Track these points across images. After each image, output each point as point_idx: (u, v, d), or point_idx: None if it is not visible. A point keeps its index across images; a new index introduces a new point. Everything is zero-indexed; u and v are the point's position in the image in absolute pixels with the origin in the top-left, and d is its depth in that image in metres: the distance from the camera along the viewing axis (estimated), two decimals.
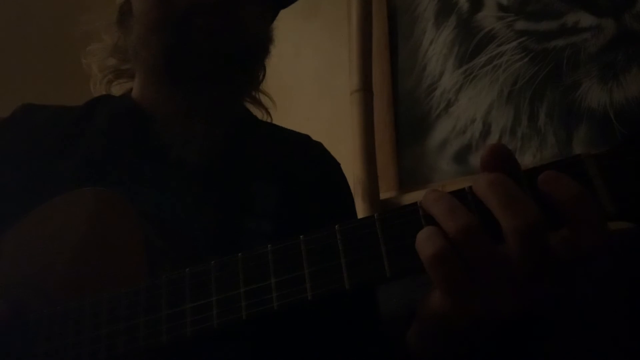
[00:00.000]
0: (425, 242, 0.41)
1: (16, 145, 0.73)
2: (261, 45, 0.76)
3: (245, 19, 0.72)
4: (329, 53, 1.54)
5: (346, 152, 1.28)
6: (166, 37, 0.70)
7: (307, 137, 0.85)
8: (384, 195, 1.29)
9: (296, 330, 0.59)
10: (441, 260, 0.40)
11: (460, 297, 0.41)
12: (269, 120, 0.88)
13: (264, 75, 0.86)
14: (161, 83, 0.74)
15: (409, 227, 0.43)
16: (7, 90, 1.38)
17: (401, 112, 1.36)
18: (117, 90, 0.86)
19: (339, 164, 0.84)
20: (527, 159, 1.12)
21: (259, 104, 0.88)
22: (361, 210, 1.24)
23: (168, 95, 0.74)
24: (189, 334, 0.47)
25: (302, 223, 0.67)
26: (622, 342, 0.64)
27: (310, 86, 1.56)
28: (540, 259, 0.39)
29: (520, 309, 0.41)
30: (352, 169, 1.28)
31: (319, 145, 0.84)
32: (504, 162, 0.42)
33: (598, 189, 0.39)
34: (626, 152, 0.39)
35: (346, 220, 0.46)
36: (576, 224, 0.39)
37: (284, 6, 0.84)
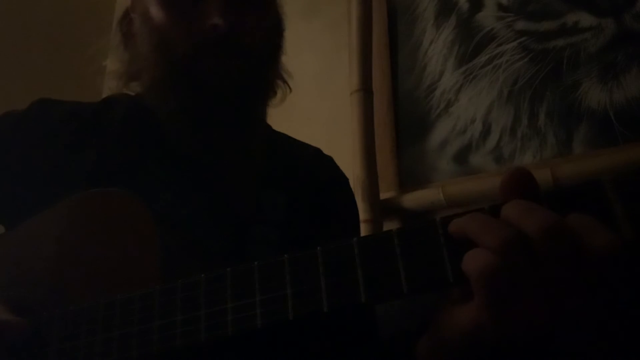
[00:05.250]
0: (478, 255, 0.40)
1: (32, 141, 0.73)
2: (270, 61, 0.75)
3: (252, 45, 0.71)
4: (329, 53, 1.54)
5: (346, 152, 1.28)
6: (174, 85, 0.70)
7: (318, 151, 0.85)
8: (384, 195, 1.29)
9: (297, 338, 0.59)
10: (496, 271, 0.39)
11: (505, 312, 0.40)
12: (289, 92, 0.87)
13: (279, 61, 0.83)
14: (176, 115, 0.73)
15: (427, 243, 0.43)
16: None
17: (401, 112, 1.36)
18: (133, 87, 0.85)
19: (347, 179, 0.85)
20: (527, 159, 1.12)
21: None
22: (361, 210, 1.24)
23: (180, 118, 0.73)
24: (202, 340, 0.47)
25: (308, 234, 0.67)
26: (622, 346, 0.64)
27: (310, 86, 1.56)
28: (572, 257, 0.39)
29: (553, 325, 0.41)
30: (352, 169, 1.28)
31: (328, 159, 0.85)
32: (523, 185, 0.42)
33: (617, 214, 0.39)
34: None
35: (353, 235, 0.46)
36: (591, 235, 0.39)
37: None
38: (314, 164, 0.82)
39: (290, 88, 0.83)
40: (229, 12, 0.69)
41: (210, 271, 0.49)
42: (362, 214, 1.23)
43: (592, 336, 0.43)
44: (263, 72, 0.74)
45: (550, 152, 1.10)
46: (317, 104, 1.54)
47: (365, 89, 1.36)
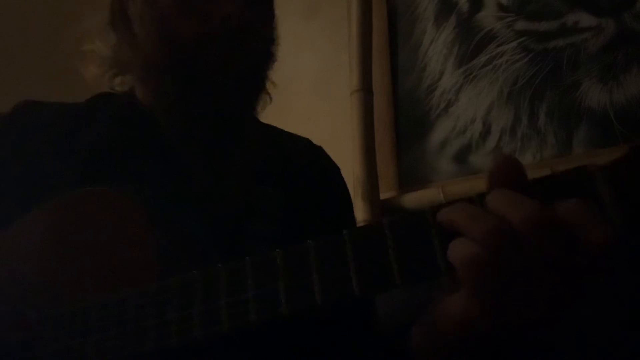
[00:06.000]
0: (463, 245, 0.41)
1: (18, 143, 0.72)
2: (269, 56, 0.75)
3: (251, 41, 0.70)
4: (328, 53, 1.54)
5: (346, 152, 1.28)
6: (175, 76, 0.68)
7: (308, 141, 0.85)
8: (384, 195, 1.29)
9: (294, 333, 0.59)
10: (481, 261, 0.39)
11: (492, 301, 0.41)
12: (269, 102, 0.86)
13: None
14: (170, 107, 0.72)
15: (418, 233, 0.43)
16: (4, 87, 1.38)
17: (401, 112, 1.36)
18: (118, 84, 0.81)
19: (339, 169, 0.84)
20: (527, 159, 1.12)
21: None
22: (361, 210, 1.24)
23: (176, 114, 0.72)
24: (198, 337, 0.47)
25: (302, 227, 0.67)
26: (622, 344, 0.64)
27: (310, 86, 1.56)
28: (557, 247, 0.39)
29: (543, 316, 0.41)
30: (352, 169, 1.28)
31: (319, 150, 0.85)
32: (511, 173, 0.42)
33: (605, 200, 0.39)
34: (633, 163, 0.39)
35: (348, 225, 0.46)
36: (580, 227, 0.39)
37: None
38: (306, 156, 0.82)
39: (270, 98, 0.82)
40: (241, 6, 0.68)
41: (206, 268, 0.49)
42: (362, 214, 1.23)
43: (582, 325, 0.43)
44: (260, 74, 0.73)
45: (550, 152, 1.10)
46: (317, 104, 1.54)
47: (365, 89, 1.36)
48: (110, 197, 0.58)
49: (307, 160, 0.81)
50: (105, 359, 0.50)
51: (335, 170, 0.84)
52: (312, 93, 1.56)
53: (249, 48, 0.70)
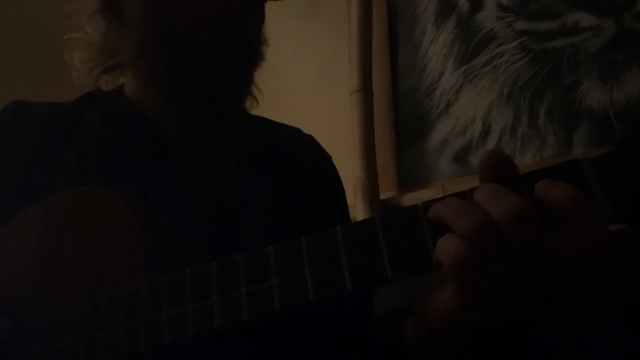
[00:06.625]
0: (449, 243, 0.41)
1: (6, 145, 0.71)
2: (260, 53, 0.74)
3: (246, 30, 0.69)
4: (328, 53, 1.54)
5: (346, 152, 1.28)
6: (169, 56, 0.67)
7: (297, 131, 0.84)
8: (384, 195, 1.29)
9: (292, 331, 0.59)
10: (466, 261, 0.40)
11: (476, 297, 0.41)
12: (256, 105, 0.85)
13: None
14: (161, 93, 0.71)
15: (410, 228, 0.43)
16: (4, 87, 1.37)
17: (401, 112, 1.36)
18: (105, 81, 0.80)
19: (330, 157, 0.84)
20: (527, 159, 1.12)
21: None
22: (361, 210, 1.24)
23: (167, 102, 0.71)
24: (190, 335, 0.47)
25: (296, 219, 0.66)
26: (621, 343, 0.64)
27: (310, 86, 1.56)
28: (534, 244, 0.39)
29: (527, 310, 0.42)
30: (352, 169, 1.28)
31: (309, 139, 0.84)
32: (502, 167, 0.43)
33: (596, 192, 0.40)
34: (623, 155, 0.40)
35: (341, 216, 0.46)
36: (575, 224, 0.39)
37: None
38: (296, 145, 0.81)
39: (257, 102, 0.81)
40: None
41: (198, 265, 0.49)
42: (362, 214, 1.23)
43: (571, 319, 0.44)
44: (252, 68, 0.72)
45: (550, 152, 1.10)
46: (317, 104, 1.54)
47: (365, 89, 1.36)
48: (100, 197, 0.58)
49: (297, 149, 0.80)
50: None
51: (326, 158, 0.83)
52: (312, 93, 1.56)
53: (245, 38, 0.69)
